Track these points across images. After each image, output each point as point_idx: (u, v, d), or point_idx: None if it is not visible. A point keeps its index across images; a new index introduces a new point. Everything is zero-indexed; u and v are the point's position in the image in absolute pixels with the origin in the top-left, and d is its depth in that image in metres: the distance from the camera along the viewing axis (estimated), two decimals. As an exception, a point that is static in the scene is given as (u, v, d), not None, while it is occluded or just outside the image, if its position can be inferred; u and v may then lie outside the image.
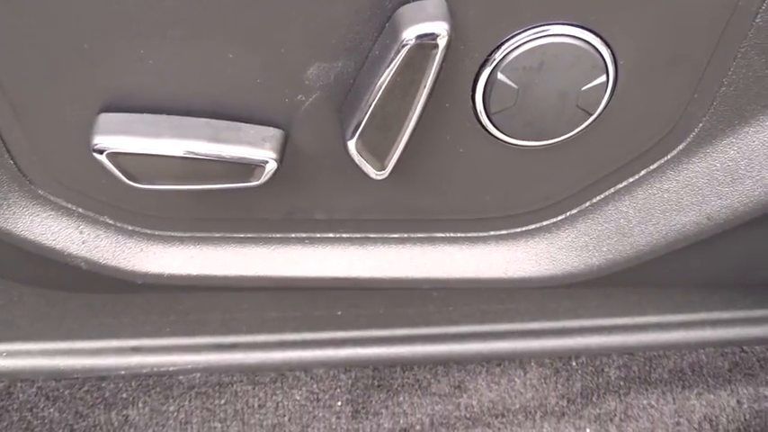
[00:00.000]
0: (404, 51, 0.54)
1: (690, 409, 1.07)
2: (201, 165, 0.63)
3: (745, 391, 1.09)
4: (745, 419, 1.07)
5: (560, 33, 0.58)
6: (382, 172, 0.66)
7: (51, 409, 1.02)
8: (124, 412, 1.02)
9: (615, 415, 1.06)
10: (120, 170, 0.64)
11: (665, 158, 0.74)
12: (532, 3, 0.57)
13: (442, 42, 0.54)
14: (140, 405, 1.03)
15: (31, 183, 0.71)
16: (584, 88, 0.62)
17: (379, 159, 0.65)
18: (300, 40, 0.58)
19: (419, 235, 0.82)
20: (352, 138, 0.62)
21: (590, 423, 1.05)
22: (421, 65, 0.56)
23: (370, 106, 0.59)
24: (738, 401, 1.08)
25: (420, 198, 0.76)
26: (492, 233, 0.82)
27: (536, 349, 1.07)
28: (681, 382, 1.09)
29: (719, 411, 1.07)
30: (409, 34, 0.54)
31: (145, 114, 0.63)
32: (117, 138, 0.62)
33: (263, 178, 0.65)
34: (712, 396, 1.08)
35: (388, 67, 0.56)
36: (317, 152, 0.69)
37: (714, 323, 1.09)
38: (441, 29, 0.54)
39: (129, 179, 0.65)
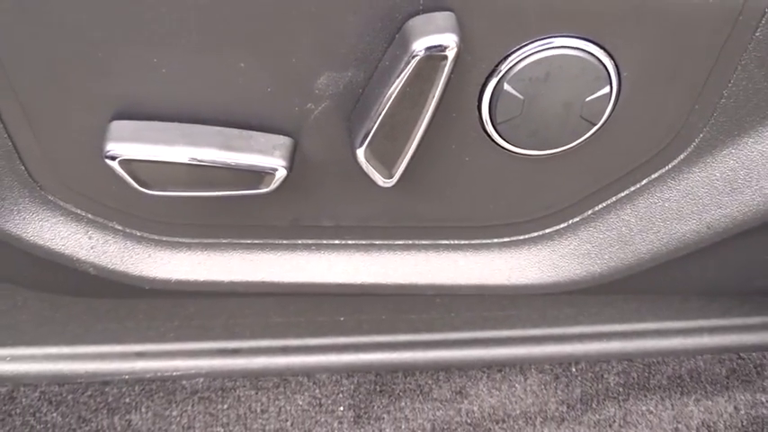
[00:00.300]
0: (414, 62, 0.56)
1: (688, 416, 1.08)
2: (212, 172, 0.64)
3: (742, 398, 1.09)
4: (743, 425, 1.08)
5: (565, 45, 0.60)
6: (390, 180, 0.67)
7: (54, 414, 1.02)
8: (127, 417, 1.02)
9: (614, 421, 1.07)
10: (132, 177, 0.65)
11: (666, 168, 0.75)
12: (538, 15, 0.58)
13: (450, 54, 0.55)
14: (143, 410, 1.03)
15: (41, 188, 0.72)
16: (588, 99, 0.63)
17: (387, 167, 0.66)
18: (311, 51, 0.59)
19: (424, 242, 0.82)
20: (361, 146, 0.63)
21: (589, 429, 1.06)
22: (430, 75, 0.57)
23: (379, 115, 0.60)
24: (736, 408, 1.09)
25: (425, 205, 0.77)
26: (495, 240, 0.83)
27: (536, 355, 1.07)
28: (679, 389, 1.10)
29: (717, 417, 1.08)
30: (419, 46, 0.55)
31: (157, 122, 0.63)
32: (130, 145, 0.63)
33: (273, 185, 0.66)
34: (710, 402, 1.09)
35: (398, 77, 0.57)
36: (325, 160, 0.70)
37: (712, 330, 1.10)
38: (450, 41, 0.55)
39: (140, 186, 0.66)
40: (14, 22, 0.56)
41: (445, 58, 0.56)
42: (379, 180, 0.67)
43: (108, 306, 1.00)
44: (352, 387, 1.06)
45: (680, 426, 1.07)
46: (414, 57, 0.55)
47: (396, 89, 0.58)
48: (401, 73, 0.56)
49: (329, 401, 1.05)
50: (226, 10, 0.56)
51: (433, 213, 0.78)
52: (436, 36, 0.55)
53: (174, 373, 1.03)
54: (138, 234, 0.78)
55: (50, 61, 0.59)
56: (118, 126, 0.63)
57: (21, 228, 0.74)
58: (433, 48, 0.55)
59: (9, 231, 0.74)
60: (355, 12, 0.56)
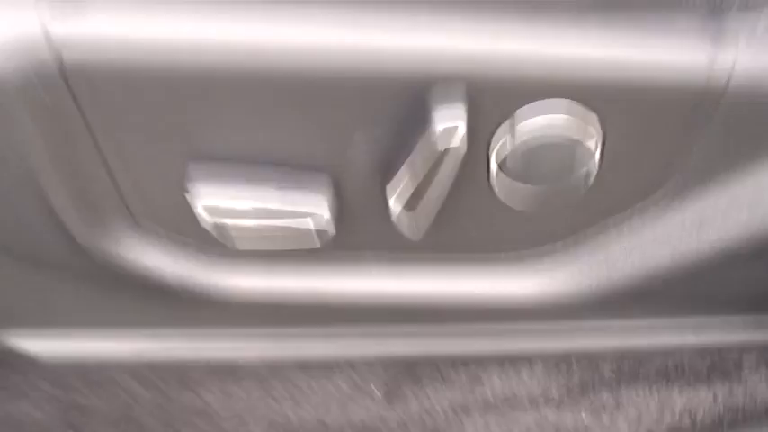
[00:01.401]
0: (437, 152, 0.66)
1: (672, 403, 1.13)
2: (274, 230, 0.76)
3: (721, 389, 1.14)
4: (720, 413, 1.12)
5: (557, 108, 0.65)
6: (417, 233, 0.77)
7: (140, 389, 1.12)
8: (201, 394, 1.12)
9: (608, 405, 1.13)
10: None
11: (644, 211, 0.82)
12: (536, 84, 0.64)
13: (462, 127, 0.65)
14: (213, 389, 1.13)
15: (133, 217, 0.83)
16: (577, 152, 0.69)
17: (418, 226, 0.76)
18: (347, 112, 0.67)
19: (437, 264, 0.92)
20: (395, 210, 0.73)
21: (586, 411, 1.12)
22: (447, 148, 0.66)
23: (411, 188, 0.70)
24: (714, 396, 1.14)
25: (441, 239, 0.85)
26: (500, 264, 0.92)
27: (541, 348, 1.14)
28: (665, 379, 1.14)
29: (698, 405, 1.13)
30: (437, 122, 0.64)
31: (228, 166, 0.73)
32: (206, 185, 0.74)
33: (323, 243, 0.78)
34: (692, 392, 1.14)
35: (424, 163, 0.67)
36: (364, 216, 0.79)
37: (695, 328, 1.15)
38: (461, 114, 0.63)
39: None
40: (121, 99, 0.66)
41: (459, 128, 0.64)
42: (410, 235, 0.77)
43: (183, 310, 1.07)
44: (385, 372, 1.14)
45: (665, 411, 1.12)
46: (437, 148, 0.65)
47: (423, 172, 0.67)
48: (425, 160, 0.66)
49: (365, 384, 1.13)
50: (280, 84, 0.65)
51: (446, 244, 0.87)
52: (450, 110, 0.63)
53: (235, 354, 1.12)
54: (211, 252, 0.89)
55: (147, 127, 0.70)
56: (196, 168, 0.74)
57: (119, 248, 0.86)
58: (448, 124, 0.64)
59: (109, 252, 0.86)
60: (389, 102, 0.65)
